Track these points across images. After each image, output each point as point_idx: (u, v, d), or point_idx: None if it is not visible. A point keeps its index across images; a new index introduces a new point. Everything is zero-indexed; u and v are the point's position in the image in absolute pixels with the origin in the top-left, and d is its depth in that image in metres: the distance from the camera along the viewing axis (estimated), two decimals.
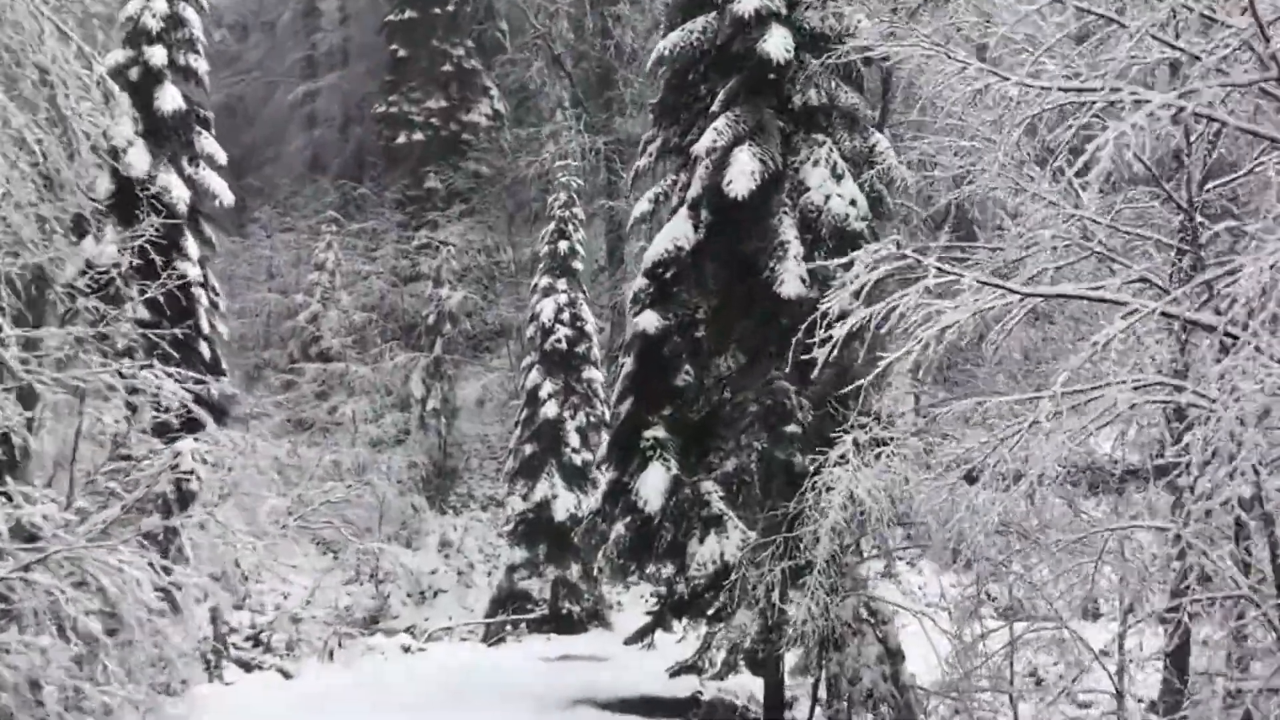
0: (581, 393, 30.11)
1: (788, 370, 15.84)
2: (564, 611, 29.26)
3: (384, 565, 34.03)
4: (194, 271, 23.32)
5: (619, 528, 17.04)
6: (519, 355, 37.73)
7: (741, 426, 16.47)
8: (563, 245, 29.84)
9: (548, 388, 29.37)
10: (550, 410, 29.16)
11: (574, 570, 29.28)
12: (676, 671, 19.16)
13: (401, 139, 44.95)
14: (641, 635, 19.67)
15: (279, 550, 32.36)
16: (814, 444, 15.51)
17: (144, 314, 22.63)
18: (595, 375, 30.07)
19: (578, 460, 29.40)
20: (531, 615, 28.95)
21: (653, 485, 15.96)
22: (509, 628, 28.62)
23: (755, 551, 15.01)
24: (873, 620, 15.55)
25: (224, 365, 25.59)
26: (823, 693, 18.94)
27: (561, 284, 29.84)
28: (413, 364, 37.43)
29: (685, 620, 19.05)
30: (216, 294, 26.41)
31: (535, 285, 30.26)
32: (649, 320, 16.75)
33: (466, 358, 39.50)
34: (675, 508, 16.83)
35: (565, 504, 29.00)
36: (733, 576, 15.45)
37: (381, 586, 33.65)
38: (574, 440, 29.43)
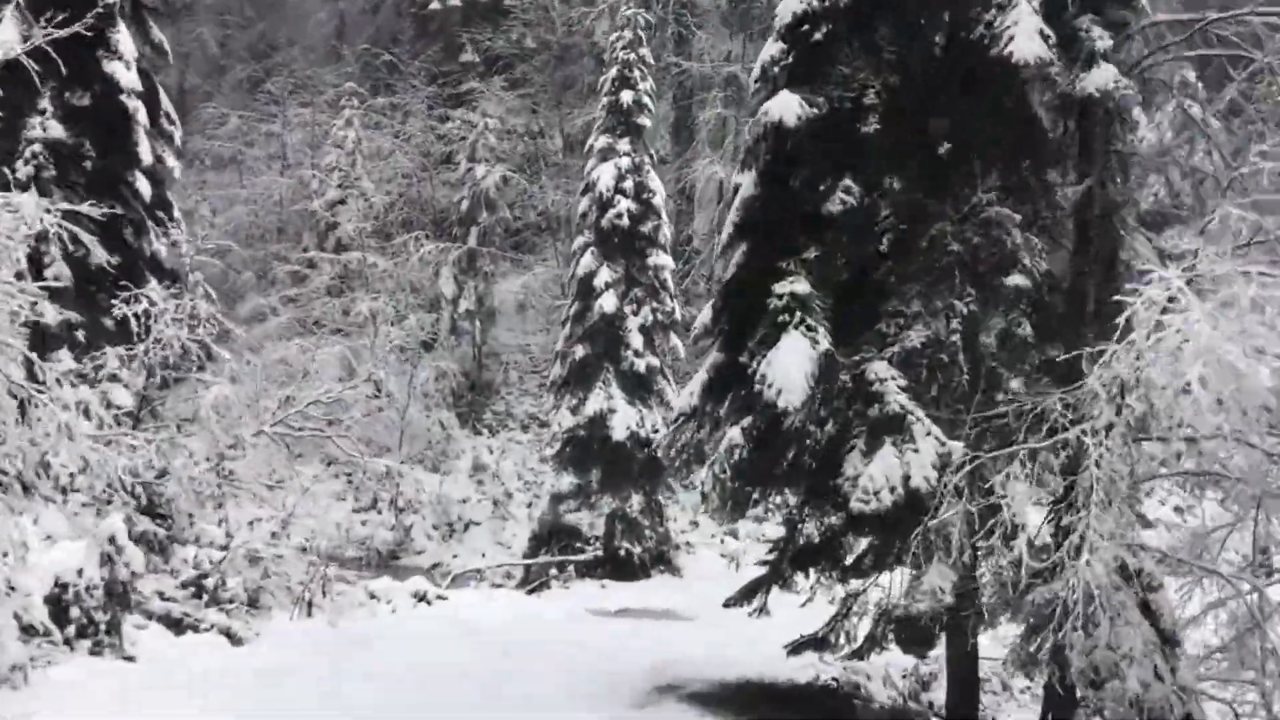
0: (647, 284, 24.14)
1: (1013, 184, 9.97)
2: (621, 552, 23.60)
3: (405, 491, 28.66)
4: (127, 76, 17.46)
5: (732, 434, 11.12)
6: (568, 255, 31.85)
7: (932, 277, 10.51)
8: (626, 96, 23.69)
9: (605, 275, 23.44)
10: (608, 303, 23.26)
11: (634, 502, 23.54)
12: (798, 647, 13.43)
13: (435, 3, 38.72)
14: (750, 593, 13.95)
15: (265, 467, 27.05)
16: (1056, 307, 9.71)
17: (58, 132, 17.22)
18: (664, 262, 24.08)
19: (640, 366, 23.53)
20: (581, 556, 23.35)
21: (789, 366, 10.00)
22: (553, 571, 23.02)
23: (972, 475, 9.08)
24: (1140, 586, 9.64)
25: (175, 210, 19.84)
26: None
27: (624, 145, 23.75)
28: (443, 257, 31.66)
29: (816, 573, 13.26)
30: (172, 121, 20.52)
31: (590, 147, 24.19)
32: (785, 107, 10.58)
33: (506, 253, 33.60)
34: (825, 402, 10.93)
35: (625, 420, 23.21)
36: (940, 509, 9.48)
37: (403, 517, 28.32)
38: (636, 342, 23.54)
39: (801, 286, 10.44)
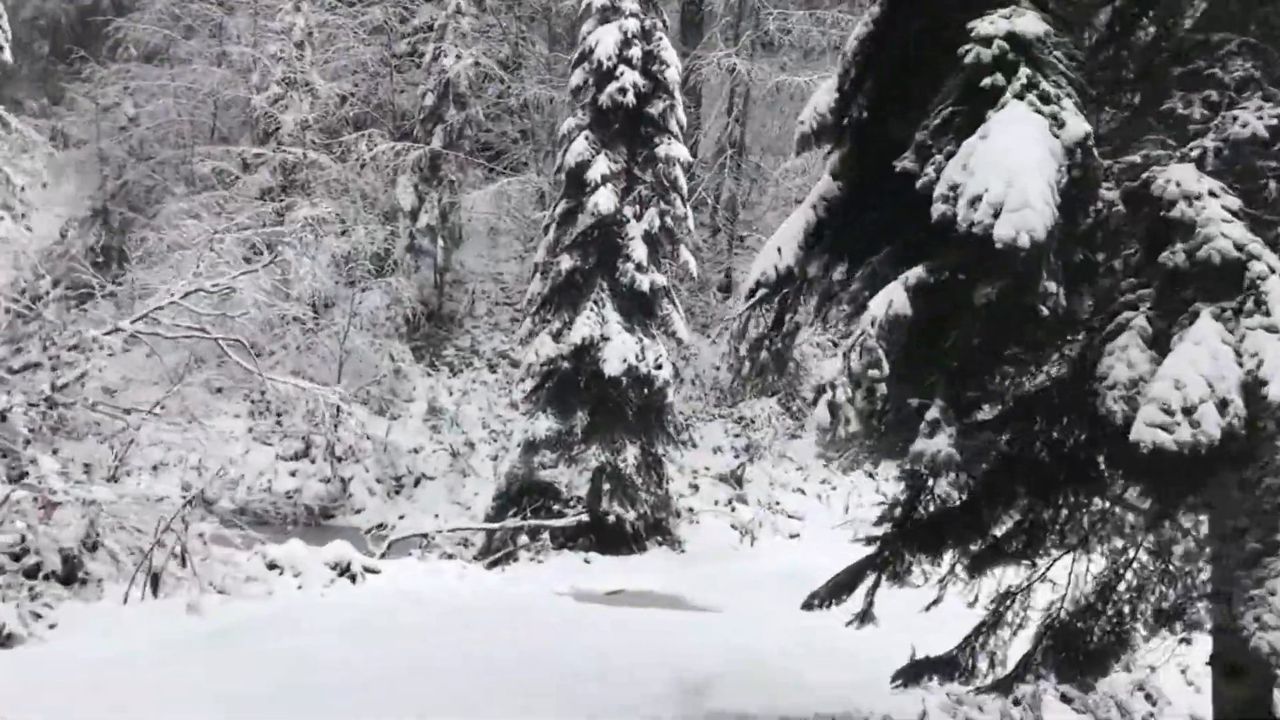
0: (654, 180, 19.04)
1: None
2: (610, 518, 18.65)
3: (344, 436, 23.55)
4: None
5: (892, 299, 5.90)
6: (553, 169, 26.63)
7: None
8: None
9: (602, 166, 18.31)
10: (604, 202, 18.15)
11: (629, 455, 18.55)
12: (912, 672, 8.52)
13: None
14: (843, 587, 9.04)
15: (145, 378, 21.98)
16: None
17: None
18: (677, 153, 18.95)
19: (643, 284, 18.47)
20: (559, 521, 18.32)
21: (1016, 164, 4.92)
22: (522, 539, 17.99)
23: None
24: None
25: None
26: None
27: (630, 3, 18.54)
28: (400, 159, 26.35)
29: (956, 555, 8.33)
30: None
31: (587, 6, 18.93)
32: None
33: (476, 160, 28.34)
34: (1079, 240, 5.73)
35: (620, 350, 18.17)
36: None
37: (341, 467, 23.26)
38: (638, 253, 18.47)
39: (1029, 22, 5.44)
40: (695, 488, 22.51)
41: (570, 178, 18.65)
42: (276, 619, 11.04)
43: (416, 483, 23.64)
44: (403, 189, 26.49)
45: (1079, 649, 8.37)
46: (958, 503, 8.23)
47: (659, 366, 18.42)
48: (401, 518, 22.13)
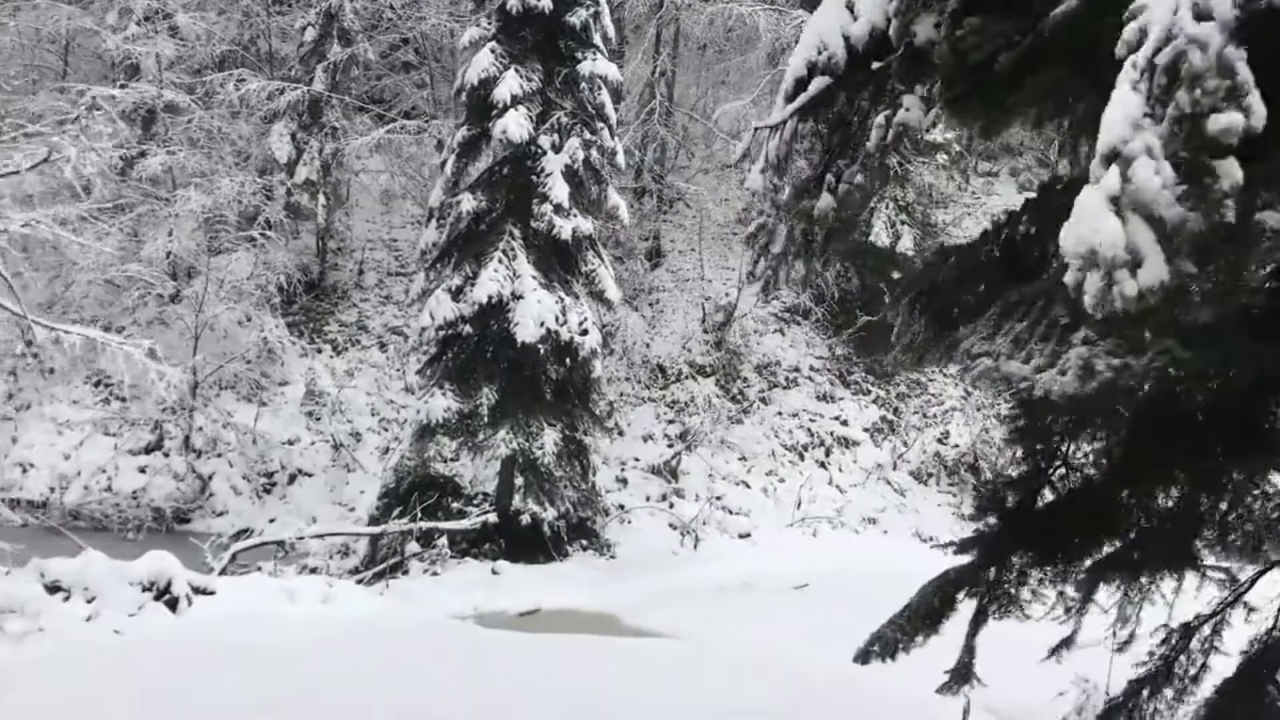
0: (575, 107, 15.61)
1: None
2: (523, 518, 15.19)
3: (203, 426, 19.74)
4: None
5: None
6: (452, 97, 23.00)
7: None
8: None
9: (512, 84, 14.79)
10: (514, 128, 14.62)
11: (547, 440, 15.07)
12: None
13: None
14: (921, 624, 5.73)
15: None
16: None
17: None
18: (604, 71, 15.54)
19: (564, 230, 15.02)
20: (459, 524, 14.77)
21: None
22: (412, 546, 14.38)
23: None
24: None
25: None
26: None
27: None
28: (275, 103, 22.45)
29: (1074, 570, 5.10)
30: None
31: None
32: None
33: (365, 107, 24.53)
34: None
35: (537, 311, 14.69)
36: None
37: (200, 462, 19.40)
38: (558, 192, 15.00)
39: None
40: (623, 481, 19.15)
41: (473, 100, 15.12)
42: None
43: (291, 480, 19.84)
44: (278, 137, 22.60)
45: None
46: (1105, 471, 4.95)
47: (584, 332, 15.00)
48: (272, 521, 18.36)
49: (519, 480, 15.29)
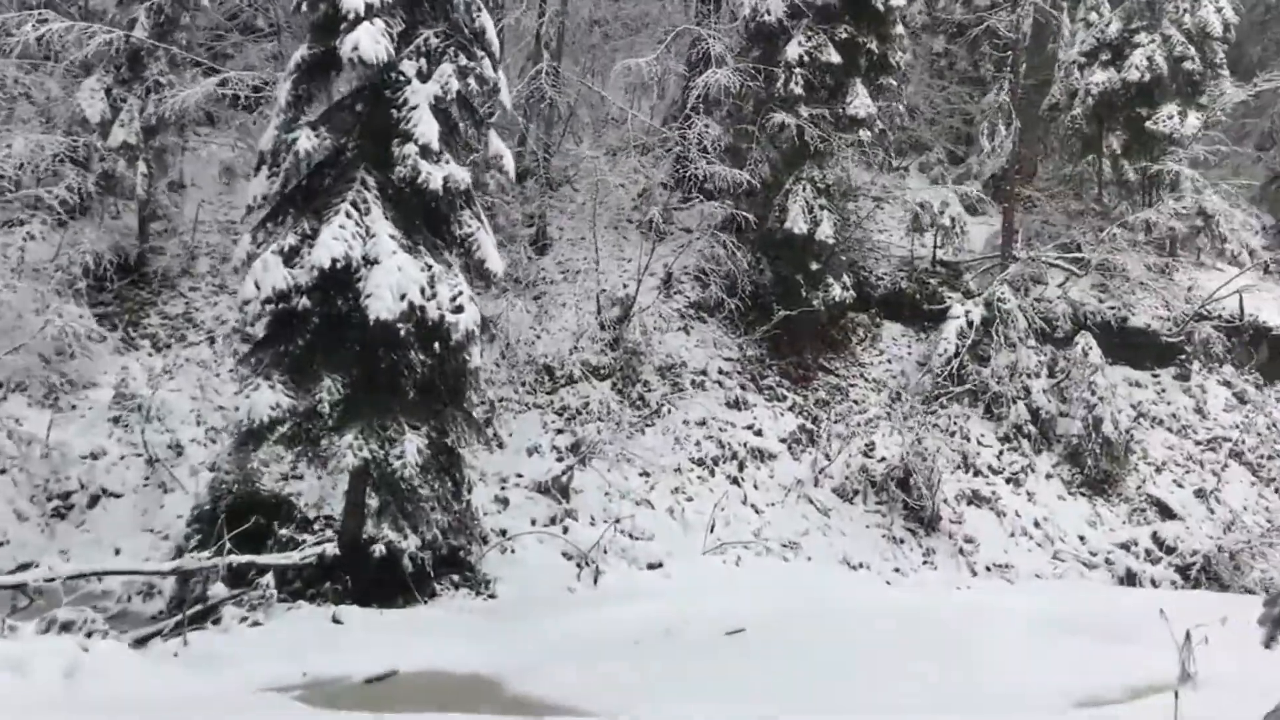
0: (447, 27, 12.39)
1: None
2: (376, 548, 11.81)
3: None
4: None
5: None
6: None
7: None
8: None
9: None
10: (369, 45, 11.35)
11: (410, 448, 11.70)
12: None
13: None
14: None
15: None
16: None
17: None
18: None
19: (433, 179, 11.79)
20: (284, 559, 11.29)
21: None
22: (216, 587, 10.85)
23: None
24: None
25: None
26: None
27: None
28: (83, 48, 18.57)
29: None
30: None
31: None
32: None
33: (199, 61, 20.80)
34: None
35: (396, 280, 11.42)
36: None
37: None
38: (425, 130, 11.74)
39: None
40: (504, 502, 15.90)
41: (317, 11, 11.80)
42: None
43: (93, 502, 15.97)
44: (88, 93, 18.73)
45: None
46: None
47: (458, 309, 11.78)
48: (64, 553, 14.59)
49: (373, 500, 11.95)
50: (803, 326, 20.10)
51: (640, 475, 17.44)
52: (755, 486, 18.16)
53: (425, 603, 11.72)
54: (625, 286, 19.72)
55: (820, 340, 20.82)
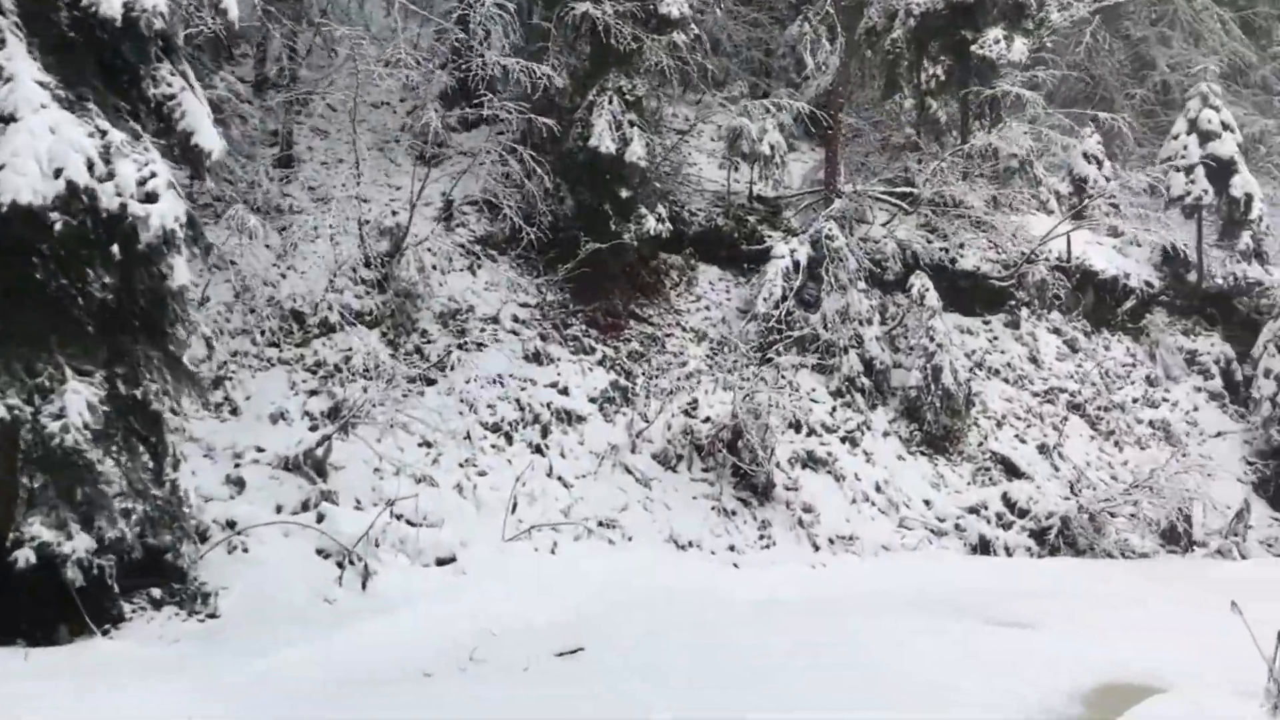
0: None
1: None
2: (19, 557, 7.81)
3: None
4: None
5: None
6: None
7: None
8: None
9: None
10: None
11: (77, 400, 7.77)
12: None
13: None
14: None
15: None
16: None
17: None
18: None
19: (107, 5, 7.82)
20: None
21: None
22: None
23: None
24: None
25: None
26: None
27: None
28: None
29: None
30: None
31: None
32: None
33: None
34: None
35: (48, 144, 7.44)
36: None
37: None
38: None
39: None
40: (238, 484, 12.00)
41: None
42: None
43: None
44: None
45: None
46: None
47: (150, 197, 7.96)
48: None
49: (23, 481, 7.97)
50: (612, 266, 16.96)
51: (421, 445, 13.88)
52: (563, 455, 14.91)
53: (105, 632, 7.89)
54: (395, 213, 16.03)
55: (631, 283, 17.77)
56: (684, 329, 17.84)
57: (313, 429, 13.33)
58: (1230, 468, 18.83)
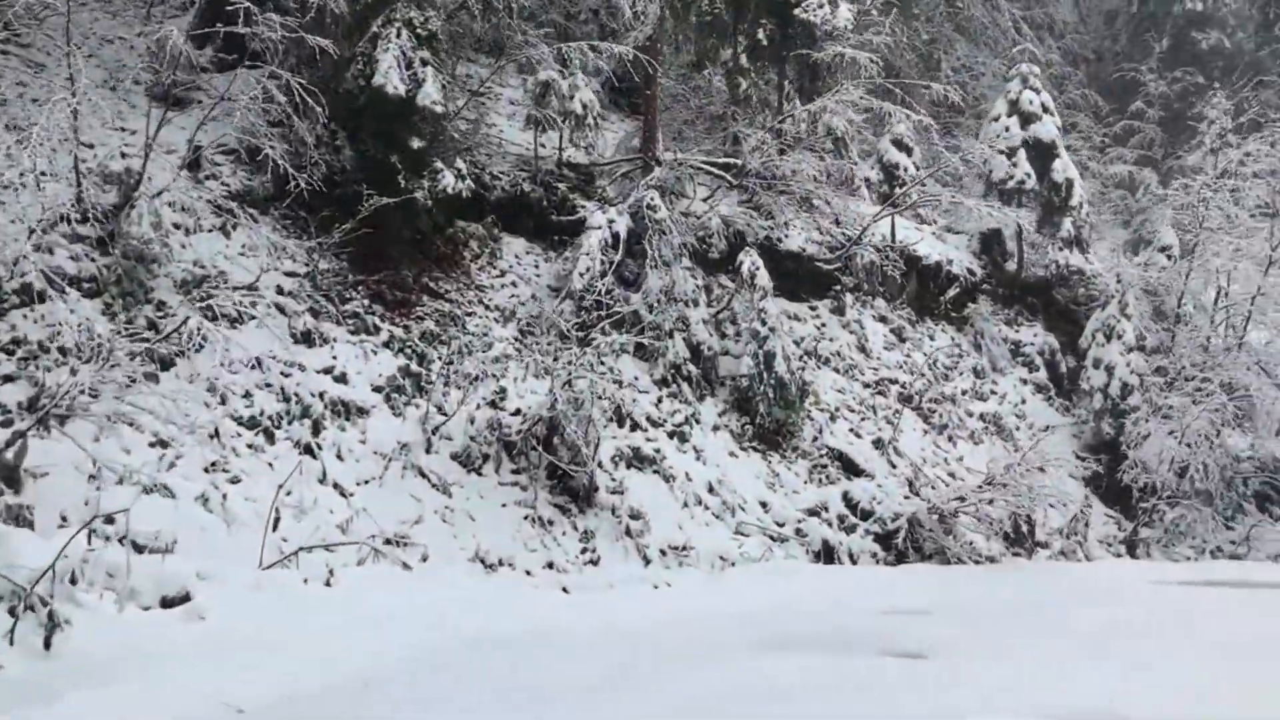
0: None
1: None
2: None
3: None
4: None
5: None
6: None
7: None
8: None
9: None
10: None
11: None
12: None
13: None
14: None
15: None
16: None
17: None
18: None
19: None
20: None
21: None
22: None
23: None
24: None
25: None
26: None
27: None
28: None
29: None
30: None
31: None
32: None
33: None
34: None
35: None
36: None
37: None
38: None
39: None
40: None
41: None
42: None
43: None
44: None
45: None
46: None
47: None
48: None
49: None
50: (401, 231, 14.21)
51: (154, 445, 10.81)
52: (340, 457, 12.07)
53: None
54: (125, 156, 12.76)
55: (424, 253, 15.04)
56: (487, 307, 15.24)
57: (5, 424, 10.07)
58: (1062, 463, 17.74)
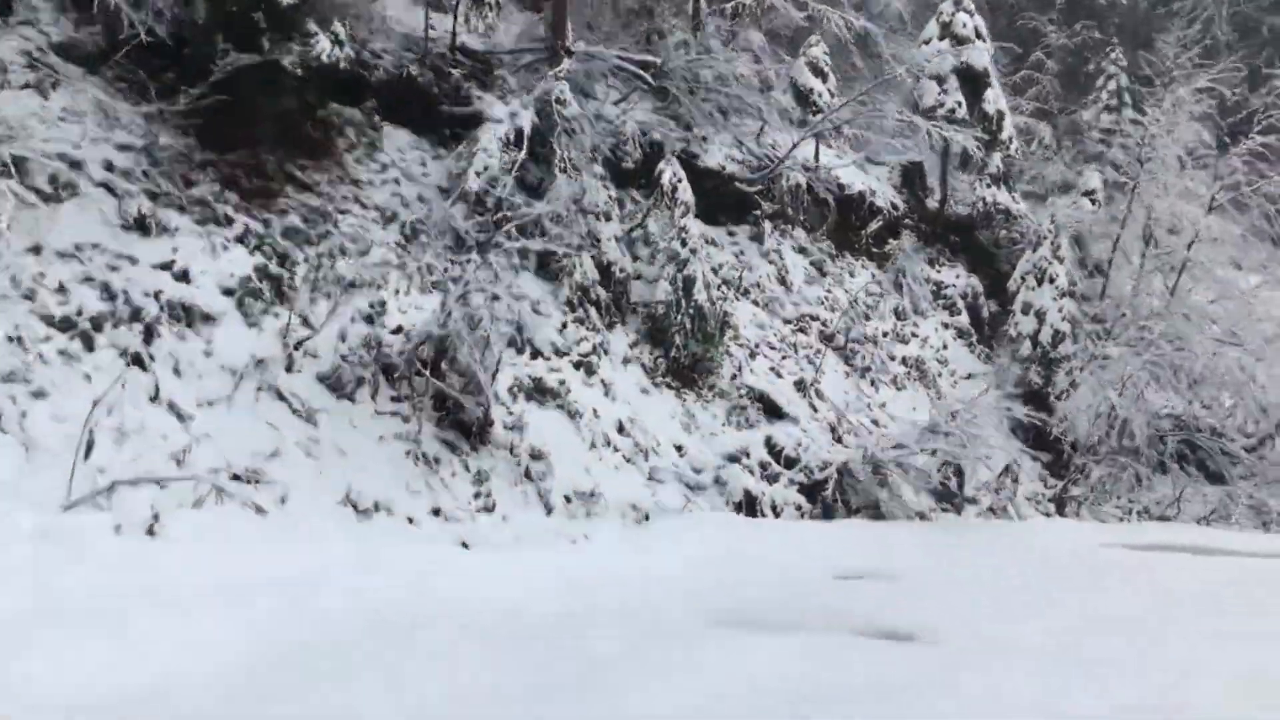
0: None
1: None
2: None
3: None
4: None
5: None
6: None
7: None
8: None
9: None
10: None
11: None
12: None
13: None
14: None
15: None
16: None
17: None
18: None
19: None
20: None
21: None
22: None
23: None
24: None
25: None
26: None
27: None
28: None
29: None
30: None
31: None
32: None
33: None
34: None
35: None
36: None
37: None
38: None
39: None
40: None
41: None
42: None
43: None
44: None
45: None
46: None
47: None
48: None
49: None
50: (262, 105, 11.72)
51: None
52: (178, 371, 9.69)
53: None
54: None
55: (289, 136, 12.52)
56: (365, 205, 12.89)
57: None
58: (998, 413, 16.40)
